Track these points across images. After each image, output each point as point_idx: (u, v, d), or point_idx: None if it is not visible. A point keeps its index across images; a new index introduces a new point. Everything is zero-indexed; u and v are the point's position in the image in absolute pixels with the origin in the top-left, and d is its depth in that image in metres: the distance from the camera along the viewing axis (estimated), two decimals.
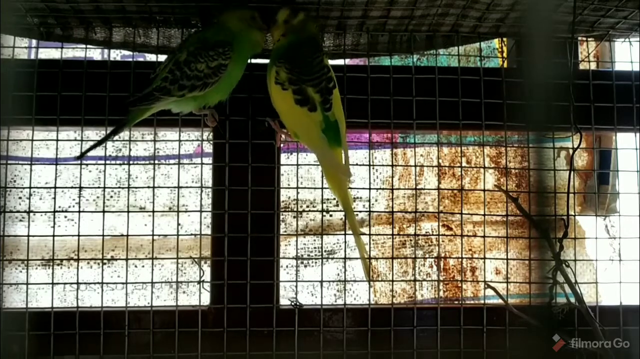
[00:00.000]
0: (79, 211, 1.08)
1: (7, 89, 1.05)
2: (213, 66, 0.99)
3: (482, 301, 1.23)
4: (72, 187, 1.12)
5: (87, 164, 1.17)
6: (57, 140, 1.08)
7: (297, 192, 1.13)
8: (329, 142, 0.98)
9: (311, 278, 1.24)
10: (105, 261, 1.11)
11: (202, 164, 1.11)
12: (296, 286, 1.10)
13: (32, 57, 1.20)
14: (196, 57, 0.99)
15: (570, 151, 1.26)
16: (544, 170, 0.48)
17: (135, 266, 1.19)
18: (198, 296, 1.08)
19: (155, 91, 0.99)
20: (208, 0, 1.03)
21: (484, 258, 1.13)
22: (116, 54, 1.25)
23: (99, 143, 0.99)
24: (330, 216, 1.28)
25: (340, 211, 1.14)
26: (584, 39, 1.19)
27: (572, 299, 1.05)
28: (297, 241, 1.12)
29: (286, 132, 1.07)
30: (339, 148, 1.00)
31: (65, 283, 1.09)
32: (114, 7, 1.04)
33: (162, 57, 1.10)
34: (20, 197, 1.24)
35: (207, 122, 1.08)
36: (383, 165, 1.26)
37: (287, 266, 1.25)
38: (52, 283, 1.06)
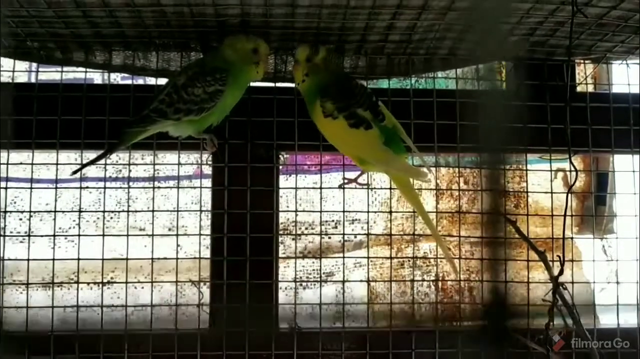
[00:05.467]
0: (79, 235, 1.09)
1: (6, 113, 1.06)
2: (210, 91, 0.99)
3: (480, 322, 1.23)
4: (71, 211, 1.12)
5: (87, 187, 1.17)
6: (57, 164, 1.08)
7: (296, 215, 1.13)
8: (395, 151, 1.00)
9: (310, 299, 1.24)
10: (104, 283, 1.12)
11: (201, 187, 1.11)
12: (295, 309, 1.11)
13: (32, 80, 1.20)
14: (194, 81, 0.99)
15: (567, 173, 1.27)
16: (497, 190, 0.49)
17: (135, 287, 1.19)
18: (197, 319, 1.08)
19: (151, 112, 0.99)
20: (207, 25, 1.03)
21: (482, 281, 1.14)
22: (116, 76, 1.26)
23: (92, 162, 1.00)
24: (329, 238, 1.28)
25: (339, 234, 1.15)
26: (581, 61, 1.19)
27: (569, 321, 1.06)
28: (295, 263, 1.12)
29: (357, 179, 1.08)
30: (405, 154, 1.02)
31: (65, 306, 1.09)
32: (113, 32, 1.05)
33: (161, 80, 1.11)
34: (20, 219, 1.24)
35: (207, 148, 1.08)
36: (382, 188, 1.26)
37: (285, 288, 1.25)
38: (52, 306, 1.07)
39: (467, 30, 1.06)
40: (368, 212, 1.12)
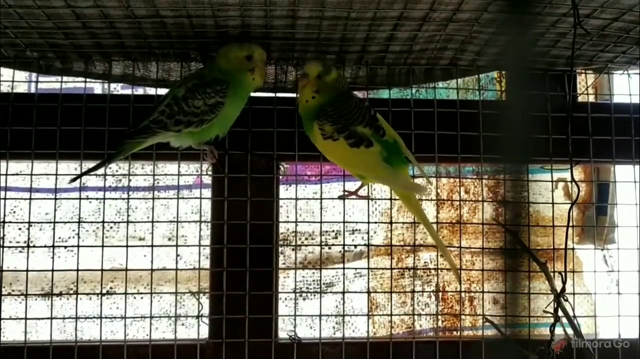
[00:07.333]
0: (78, 246, 1.08)
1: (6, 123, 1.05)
2: (210, 103, 0.99)
3: (481, 332, 1.23)
4: (70, 222, 1.12)
5: (87, 197, 1.17)
6: (57, 174, 1.08)
7: (296, 225, 1.13)
8: (396, 166, 0.99)
9: (310, 310, 1.24)
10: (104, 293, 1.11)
11: (200, 197, 1.11)
12: (294, 320, 1.10)
13: (32, 90, 1.20)
14: (194, 93, 0.99)
15: (568, 183, 1.27)
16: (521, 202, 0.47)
17: (134, 298, 1.19)
18: (197, 329, 1.08)
19: (152, 124, 0.99)
20: (207, 36, 1.03)
21: (482, 292, 1.13)
22: (116, 86, 1.25)
23: (90, 171, 1.00)
24: (329, 248, 1.28)
25: (340, 244, 1.14)
26: (583, 71, 1.19)
27: (569, 331, 1.05)
28: (295, 274, 1.12)
29: (357, 191, 1.08)
30: (405, 166, 1.01)
31: (64, 318, 1.09)
32: (113, 43, 1.04)
33: (161, 90, 1.10)
34: (20, 229, 1.24)
35: (207, 159, 1.08)
36: (382, 199, 1.26)
37: (285, 299, 1.25)
38: (51, 318, 1.06)
39: (468, 41, 1.06)
40: (368, 222, 1.12)
